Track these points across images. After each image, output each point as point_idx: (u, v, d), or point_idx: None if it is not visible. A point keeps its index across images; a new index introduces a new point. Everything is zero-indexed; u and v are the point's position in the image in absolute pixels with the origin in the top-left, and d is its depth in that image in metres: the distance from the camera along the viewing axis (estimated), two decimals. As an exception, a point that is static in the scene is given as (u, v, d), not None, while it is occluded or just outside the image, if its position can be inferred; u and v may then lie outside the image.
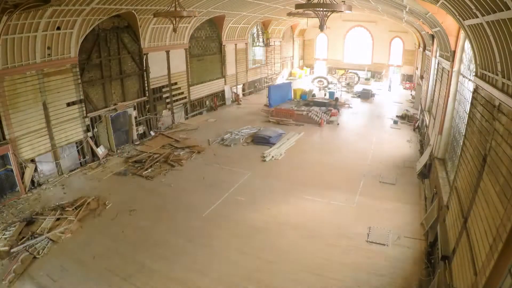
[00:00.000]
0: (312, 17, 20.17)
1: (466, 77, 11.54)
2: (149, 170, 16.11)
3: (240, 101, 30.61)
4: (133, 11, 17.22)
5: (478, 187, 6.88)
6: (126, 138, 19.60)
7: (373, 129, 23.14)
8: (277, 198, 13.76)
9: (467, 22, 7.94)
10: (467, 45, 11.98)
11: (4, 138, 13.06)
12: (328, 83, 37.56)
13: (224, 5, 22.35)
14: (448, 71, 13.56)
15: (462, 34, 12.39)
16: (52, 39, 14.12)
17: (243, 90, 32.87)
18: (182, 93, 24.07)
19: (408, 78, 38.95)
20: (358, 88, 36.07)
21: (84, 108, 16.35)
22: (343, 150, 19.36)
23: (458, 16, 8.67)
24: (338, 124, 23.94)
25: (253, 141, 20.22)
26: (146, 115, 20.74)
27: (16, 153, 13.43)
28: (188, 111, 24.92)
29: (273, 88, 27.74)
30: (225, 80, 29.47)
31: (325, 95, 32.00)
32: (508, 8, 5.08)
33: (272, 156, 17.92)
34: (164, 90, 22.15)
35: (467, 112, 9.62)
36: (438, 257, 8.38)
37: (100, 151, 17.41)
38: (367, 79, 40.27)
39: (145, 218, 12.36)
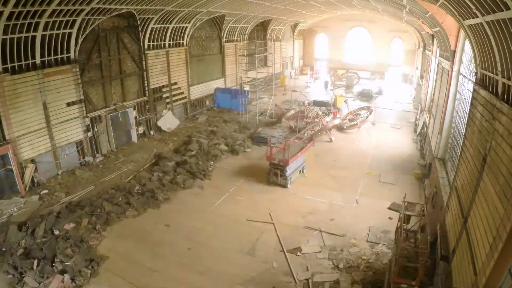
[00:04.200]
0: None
1: (466, 77, 11.54)
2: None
3: None
4: (133, 11, 17.22)
5: (478, 187, 6.88)
6: (126, 138, 19.59)
7: (373, 129, 23.14)
8: (278, 199, 13.77)
9: (467, 22, 7.94)
10: (467, 45, 11.98)
11: (4, 138, 13.06)
12: None
13: (224, 5, 22.33)
14: (448, 71, 13.56)
15: (462, 34, 12.39)
16: (52, 39, 14.11)
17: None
18: (182, 93, 24.06)
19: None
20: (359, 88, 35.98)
21: (84, 108, 16.34)
22: (343, 150, 19.36)
23: (458, 16, 8.67)
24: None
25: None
26: (146, 115, 20.74)
27: (16, 153, 13.43)
28: (188, 111, 24.90)
29: (218, 91, 28.22)
30: (225, 80, 29.45)
31: None
32: (508, 8, 5.08)
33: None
34: (164, 90, 22.14)
35: (467, 112, 9.62)
36: (438, 257, 8.38)
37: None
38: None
39: (145, 218, 12.38)
